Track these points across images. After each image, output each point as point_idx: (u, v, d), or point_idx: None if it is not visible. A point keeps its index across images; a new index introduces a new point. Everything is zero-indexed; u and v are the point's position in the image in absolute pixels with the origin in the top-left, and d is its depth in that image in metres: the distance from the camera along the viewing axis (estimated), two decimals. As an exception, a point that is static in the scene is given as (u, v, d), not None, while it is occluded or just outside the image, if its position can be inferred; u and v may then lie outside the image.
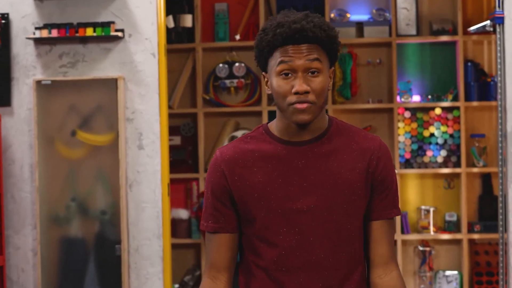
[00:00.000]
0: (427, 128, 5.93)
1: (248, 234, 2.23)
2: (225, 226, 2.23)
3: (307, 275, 2.19)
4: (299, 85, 2.11)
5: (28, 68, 4.37)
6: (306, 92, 2.11)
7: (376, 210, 2.23)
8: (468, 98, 5.87)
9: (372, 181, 2.21)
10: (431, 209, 5.91)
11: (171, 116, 5.52)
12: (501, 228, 4.11)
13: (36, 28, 4.31)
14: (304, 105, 2.12)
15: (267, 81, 2.20)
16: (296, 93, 2.11)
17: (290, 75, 2.13)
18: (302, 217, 2.17)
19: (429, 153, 5.91)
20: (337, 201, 2.18)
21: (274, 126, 2.24)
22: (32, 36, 4.31)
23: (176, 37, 5.84)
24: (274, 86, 2.16)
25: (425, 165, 5.92)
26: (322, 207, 2.17)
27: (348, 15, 5.98)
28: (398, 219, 5.83)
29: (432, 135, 5.93)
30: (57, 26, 4.28)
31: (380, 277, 2.23)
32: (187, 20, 5.80)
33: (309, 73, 2.13)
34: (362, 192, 2.20)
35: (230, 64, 5.97)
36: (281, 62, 2.13)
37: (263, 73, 2.21)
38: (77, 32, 4.28)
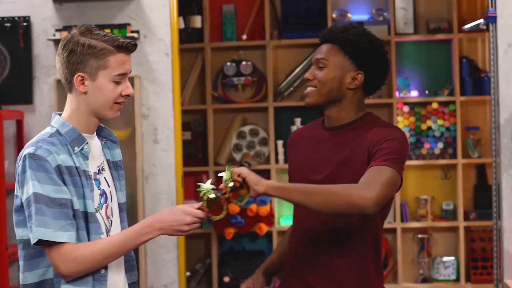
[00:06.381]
0: (424, 122, 5.94)
1: None
2: None
3: (313, 236, 2.52)
4: (308, 73, 2.53)
5: (49, 67, 4.43)
6: (311, 80, 2.52)
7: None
8: (463, 93, 5.87)
9: (368, 154, 2.45)
10: (429, 199, 5.92)
11: (181, 112, 5.57)
12: (495, 215, 4.11)
13: (56, 30, 4.38)
14: (308, 90, 2.53)
15: None
16: (307, 80, 2.54)
17: (313, 66, 2.55)
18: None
19: (427, 146, 5.91)
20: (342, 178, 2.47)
21: None
22: (52, 37, 4.38)
23: (186, 38, 5.81)
24: None
25: (423, 157, 5.91)
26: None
27: (349, 15, 5.96)
28: (397, 207, 5.86)
29: (429, 128, 5.93)
30: (76, 28, 4.40)
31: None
32: (197, 21, 5.80)
33: (319, 67, 2.52)
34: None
35: (238, 63, 5.97)
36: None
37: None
38: (95, 33, 4.39)
